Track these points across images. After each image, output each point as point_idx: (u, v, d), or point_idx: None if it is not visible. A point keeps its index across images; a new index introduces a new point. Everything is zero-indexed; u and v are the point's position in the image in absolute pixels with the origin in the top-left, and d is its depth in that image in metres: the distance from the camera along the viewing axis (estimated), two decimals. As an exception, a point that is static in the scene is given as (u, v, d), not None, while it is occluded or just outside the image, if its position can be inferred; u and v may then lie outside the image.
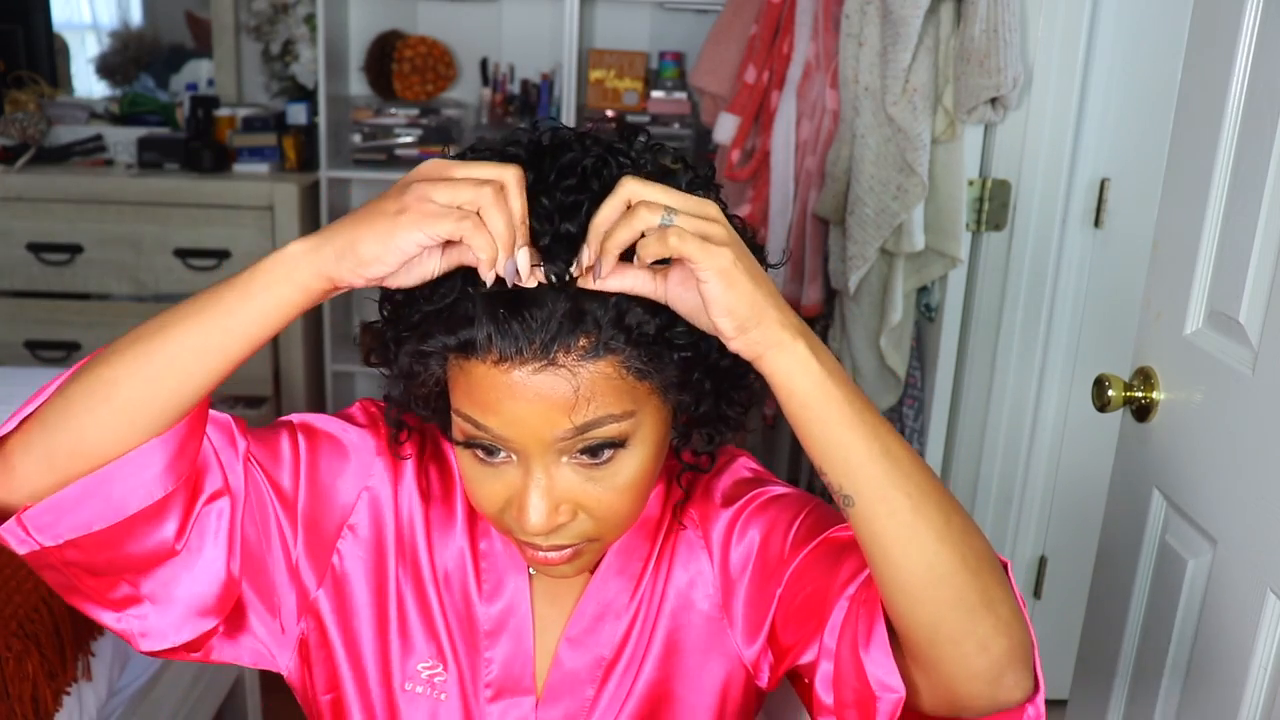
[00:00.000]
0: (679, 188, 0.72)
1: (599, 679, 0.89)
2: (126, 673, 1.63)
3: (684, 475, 0.89)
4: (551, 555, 0.79)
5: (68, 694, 1.46)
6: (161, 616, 0.80)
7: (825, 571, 0.82)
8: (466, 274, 0.71)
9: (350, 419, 0.90)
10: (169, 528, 0.77)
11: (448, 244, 0.69)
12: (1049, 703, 2.60)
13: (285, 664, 0.89)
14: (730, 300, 0.67)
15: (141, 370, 0.71)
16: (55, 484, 0.73)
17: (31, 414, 0.75)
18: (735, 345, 0.69)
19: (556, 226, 0.70)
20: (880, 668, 0.74)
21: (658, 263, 0.70)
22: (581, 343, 0.71)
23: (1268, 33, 1.13)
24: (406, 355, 0.74)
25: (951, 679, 0.73)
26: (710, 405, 0.79)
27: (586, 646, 0.89)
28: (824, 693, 0.79)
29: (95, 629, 1.54)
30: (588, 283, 0.70)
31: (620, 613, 0.89)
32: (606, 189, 0.70)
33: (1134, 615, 1.37)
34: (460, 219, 0.66)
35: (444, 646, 0.88)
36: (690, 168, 0.77)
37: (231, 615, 0.84)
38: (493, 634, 0.88)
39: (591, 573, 0.89)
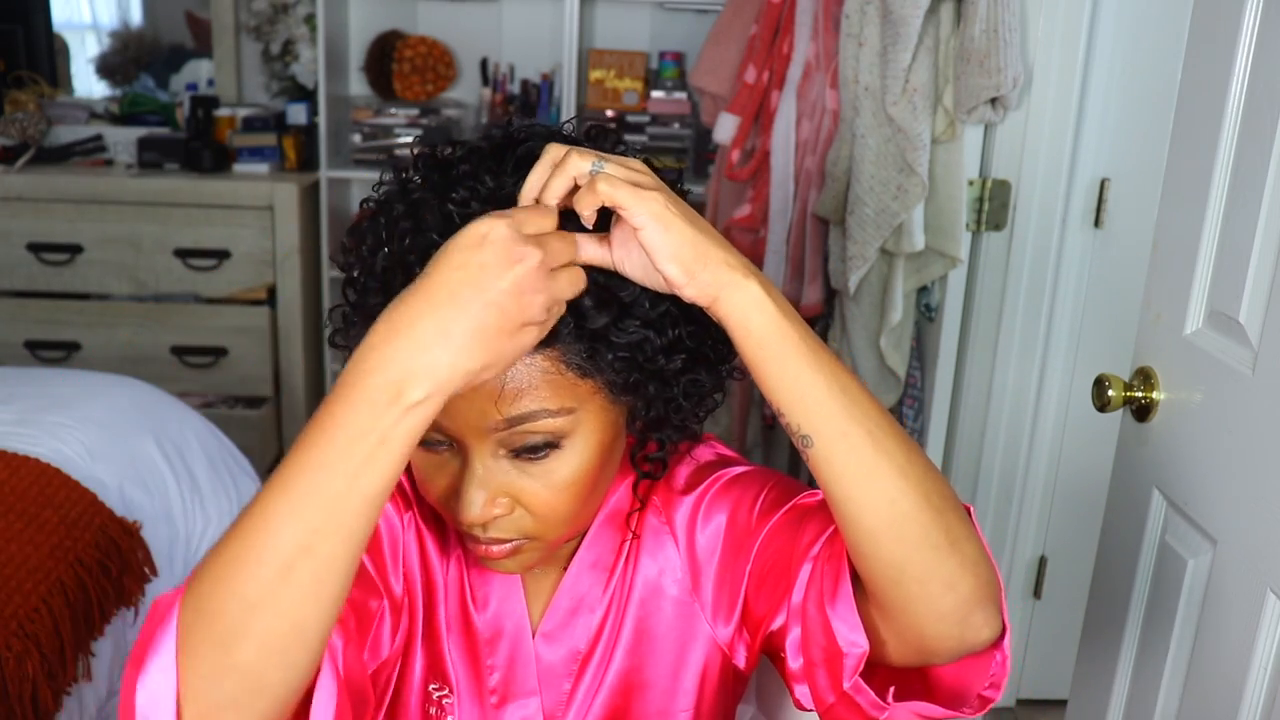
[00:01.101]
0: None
1: (574, 673, 0.89)
2: (126, 673, 1.63)
3: (640, 484, 0.88)
4: (492, 549, 0.79)
5: (68, 694, 1.46)
6: None
7: (790, 537, 0.82)
8: (407, 261, 0.71)
9: None
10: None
11: None
12: (1049, 703, 2.60)
13: None
14: (671, 244, 0.67)
15: (327, 601, 0.63)
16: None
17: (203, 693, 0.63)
18: (688, 293, 0.69)
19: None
20: (846, 623, 0.74)
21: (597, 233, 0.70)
22: None
23: (1268, 33, 1.13)
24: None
25: (919, 620, 0.73)
26: (659, 410, 0.79)
27: (561, 641, 0.89)
28: (793, 658, 0.79)
29: (95, 629, 1.54)
30: None
31: (594, 606, 0.89)
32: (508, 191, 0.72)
33: (1134, 615, 1.37)
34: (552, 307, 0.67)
35: (449, 667, 0.88)
36: (655, 169, 0.76)
37: None
38: (491, 641, 0.88)
39: (565, 568, 0.89)
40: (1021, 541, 2.31)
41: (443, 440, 0.76)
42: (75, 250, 2.93)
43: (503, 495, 0.76)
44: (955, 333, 2.17)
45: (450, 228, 0.68)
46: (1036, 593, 2.35)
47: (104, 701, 1.56)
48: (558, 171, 0.68)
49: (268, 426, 3.03)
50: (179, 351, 2.99)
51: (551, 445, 0.75)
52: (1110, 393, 1.31)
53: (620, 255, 0.71)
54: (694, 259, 0.68)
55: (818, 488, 0.80)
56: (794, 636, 0.79)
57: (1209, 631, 1.21)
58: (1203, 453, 1.22)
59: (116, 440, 1.90)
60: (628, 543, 0.90)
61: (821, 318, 2.40)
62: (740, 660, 0.90)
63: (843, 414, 0.70)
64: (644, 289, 0.73)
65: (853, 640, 0.74)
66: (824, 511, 0.81)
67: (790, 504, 0.84)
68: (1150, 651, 1.34)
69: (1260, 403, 1.11)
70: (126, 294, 2.97)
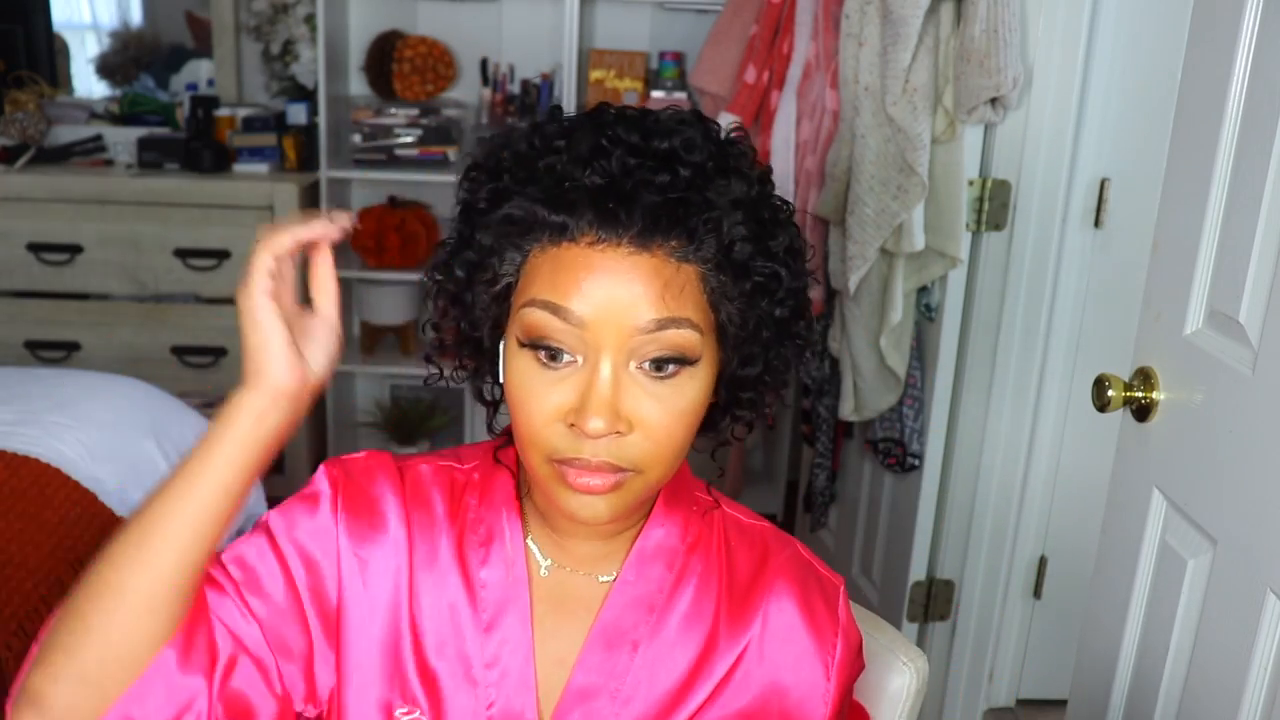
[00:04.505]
0: (752, 174, 0.79)
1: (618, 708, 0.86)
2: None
3: (732, 428, 0.87)
4: (595, 482, 0.76)
5: (68, 694, 1.46)
6: None
7: None
8: (566, 165, 0.74)
9: (317, 499, 0.86)
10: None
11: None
12: (1049, 703, 2.58)
13: None
14: None
15: (147, 564, 0.74)
16: (96, 700, 0.73)
17: (45, 645, 0.75)
18: None
19: (648, 145, 0.74)
20: None
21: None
22: (674, 241, 0.73)
23: (1268, 33, 1.13)
24: (492, 233, 0.76)
25: None
26: (759, 367, 0.81)
27: (599, 682, 0.86)
28: None
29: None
30: None
31: (637, 645, 0.86)
32: (673, 126, 0.76)
33: (1134, 615, 1.37)
34: (258, 261, 0.75)
35: (415, 691, 0.84)
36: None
37: None
38: (491, 665, 0.85)
39: (602, 604, 0.86)
40: (1021, 541, 2.31)
41: (569, 350, 0.74)
42: (75, 250, 2.93)
43: (625, 411, 0.75)
44: (955, 333, 2.17)
45: (600, 155, 0.74)
46: (1036, 593, 2.35)
47: (104, 701, 1.56)
48: None
49: (268, 426, 3.03)
50: (179, 351, 2.99)
51: (682, 363, 0.75)
52: (1110, 393, 1.31)
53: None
54: None
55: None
56: None
57: (1209, 631, 1.21)
58: (1203, 453, 1.22)
59: (116, 440, 1.90)
60: (683, 577, 0.88)
61: (821, 318, 2.40)
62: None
63: None
64: (789, 231, 0.81)
65: None
66: None
67: None
68: (1150, 651, 1.34)
69: (1260, 403, 1.11)
70: (126, 294, 2.97)
